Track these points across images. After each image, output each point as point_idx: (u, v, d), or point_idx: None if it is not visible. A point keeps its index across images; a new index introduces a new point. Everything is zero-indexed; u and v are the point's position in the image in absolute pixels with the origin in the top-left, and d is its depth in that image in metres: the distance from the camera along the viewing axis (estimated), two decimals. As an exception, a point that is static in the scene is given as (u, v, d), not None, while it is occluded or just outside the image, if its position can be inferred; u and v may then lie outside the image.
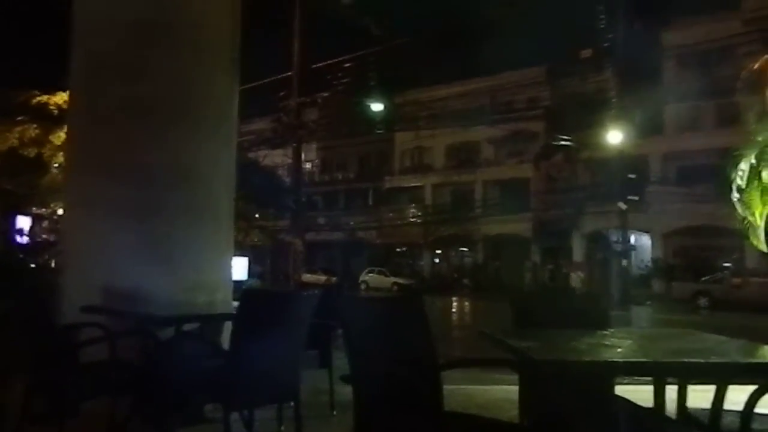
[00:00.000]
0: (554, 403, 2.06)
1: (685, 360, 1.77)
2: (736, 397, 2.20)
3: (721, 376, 1.83)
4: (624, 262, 25.29)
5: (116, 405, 3.35)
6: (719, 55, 26.12)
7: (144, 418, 3.41)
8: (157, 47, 4.01)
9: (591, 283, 28.70)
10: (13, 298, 3.50)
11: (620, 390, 2.44)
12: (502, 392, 4.60)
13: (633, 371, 2.05)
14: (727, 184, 5.37)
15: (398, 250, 39.56)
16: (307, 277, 24.36)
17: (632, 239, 27.08)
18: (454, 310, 21.91)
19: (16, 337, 3.38)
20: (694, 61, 28.36)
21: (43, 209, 20.03)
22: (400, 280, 32.79)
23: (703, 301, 22.76)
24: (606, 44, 24.56)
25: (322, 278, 28.25)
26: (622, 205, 24.35)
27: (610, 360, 1.78)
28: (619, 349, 1.99)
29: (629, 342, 2.18)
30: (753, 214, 4.96)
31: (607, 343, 2.10)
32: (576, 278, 30.44)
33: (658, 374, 1.83)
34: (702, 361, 1.75)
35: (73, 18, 4.15)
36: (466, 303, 24.96)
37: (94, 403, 3.27)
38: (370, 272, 34.18)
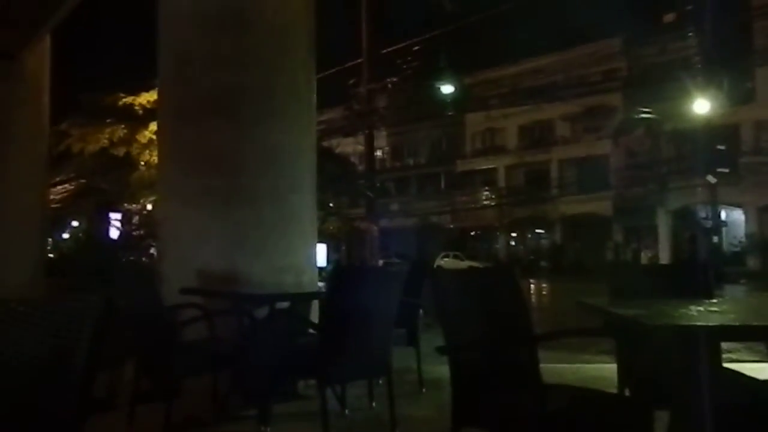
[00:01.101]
0: (660, 371, 1.98)
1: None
2: None
3: None
4: (714, 239, 23.90)
5: (217, 382, 3.53)
6: (818, 11, 24.02)
7: (243, 395, 3.57)
8: (240, 37, 4.14)
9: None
10: (119, 284, 3.75)
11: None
12: (594, 370, 4.50)
13: (750, 335, 1.94)
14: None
15: (472, 233, 39.19)
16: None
17: (723, 214, 25.54)
18: (532, 292, 21.50)
19: (125, 324, 3.62)
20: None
21: (134, 205, 21.18)
22: (475, 264, 32.53)
23: (805, 278, 21.20)
24: (689, 6, 23.09)
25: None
26: (711, 179, 23.01)
27: (726, 324, 1.69)
28: (731, 315, 1.89)
29: (740, 308, 2.07)
30: None
31: (716, 309, 2.00)
32: (644, 257, 29.19)
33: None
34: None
35: (158, 13, 4.35)
36: (544, 285, 24.41)
37: (196, 381, 3.46)
38: (444, 257, 34.08)
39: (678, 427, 1.91)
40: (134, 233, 20.88)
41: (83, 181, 20.54)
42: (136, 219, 21.92)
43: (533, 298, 19.20)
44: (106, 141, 17.35)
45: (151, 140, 15.91)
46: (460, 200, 38.25)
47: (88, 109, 17.53)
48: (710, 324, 1.69)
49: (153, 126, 14.80)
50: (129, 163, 18.09)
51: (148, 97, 16.22)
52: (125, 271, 4.59)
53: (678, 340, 1.65)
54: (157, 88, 5.14)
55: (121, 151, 17.47)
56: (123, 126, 17.21)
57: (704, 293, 2.50)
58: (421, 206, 38.82)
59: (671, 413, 1.97)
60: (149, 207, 18.19)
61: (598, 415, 1.99)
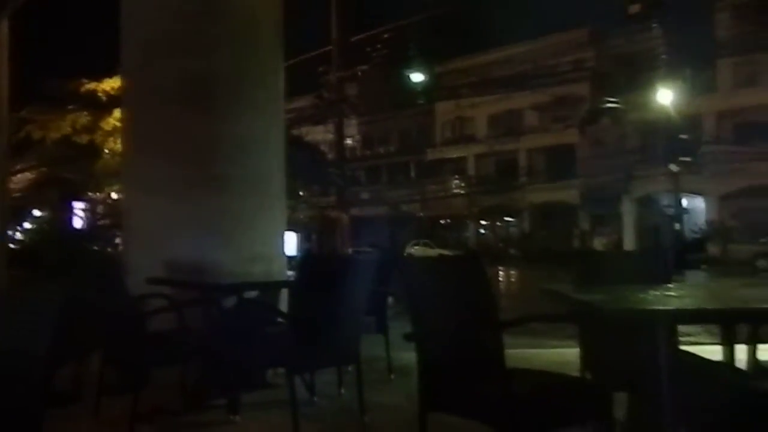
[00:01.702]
0: (619, 355, 2.05)
1: (760, 306, 1.73)
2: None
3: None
4: (677, 226, 24.54)
5: (185, 372, 3.51)
6: (777, 4, 24.69)
7: (211, 385, 3.55)
8: (207, 24, 4.08)
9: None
10: (83, 276, 3.68)
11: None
12: (559, 355, 4.59)
13: (704, 318, 2.01)
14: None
15: (443, 222, 39.44)
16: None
17: (685, 202, 26.22)
18: (501, 279, 21.79)
19: (90, 315, 3.56)
20: (749, 10, 26.85)
21: (98, 194, 20.72)
22: (445, 252, 32.74)
23: (762, 263, 21.96)
24: (654, -1, 23.51)
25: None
26: (674, 167, 23.57)
27: (681, 308, 1.75)
28: (687, 299, 1.96)
29: (696, 292, 2.14)
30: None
31: (674, 294, 2.07)
32: (599, 243, 29.86)
33: (728, 320, 1.79)
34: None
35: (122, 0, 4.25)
36: (513, 272, 24.77)
37: (164, 373, 3.44)
38: (415, 245, 34.23)
39: (636, 407, 1.98)
40: (99, 223, 20.46)
41: (45, 169, 20.00)
42: (101, 208, 21.47)
43: (502, 286, 19.48)
44: (68, 128, 16.89)
45: (115, 127, 15.53)
46: (431, 189, 38.42)
47: (49, 96, 17.02)
48: (666, 308, 1.75)
49: (117, 113, 14.45)
50: (93, 151, 17.66)
51: (112, 84, 15.81)
52: (90, 261, 4.51)
53: (636, 324, 1.70)
54: (120, 75, 5.04)
55: (84, 139, 17.02)
56: (86, 113, 16.76)
57: (663, 279, 2.58)
58: (391, 195, 38.88)
59: (629, 395, 2.05)
60: (114, 196, 17.84)
61: (559, 397, 2.05)
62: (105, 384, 3.33)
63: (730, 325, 1.93)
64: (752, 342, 2.26)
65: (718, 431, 1.96)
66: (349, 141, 34.59)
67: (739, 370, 2.09)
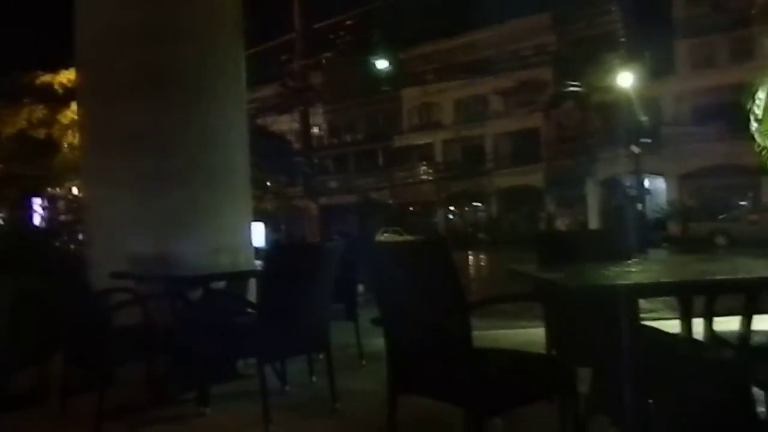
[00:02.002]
0: (582, 331, 2.09)
1: (712, 278, 1.79)
2: (760, 326, 2.23)
3: (750, 291, 1.85)
4: (639, 206, 25.13)
5: (152, 367, 3.46)
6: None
7: (180, 378, 3.52)
8: (165, 13, 3.98)
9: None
10: (43, 273, 3.59)
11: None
12: (527, 335, 4.68)
13: (661, 291, 2.07)
14: (744, 116, 5.28)
15: (411, 208, 39.59)
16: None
17: (646, 183, 26.85)
18: (471, 263, 22.03)
19: (52, 312, 3.48)
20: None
21: (58, 189, 20.20)
22: (419, 239, 32.80)
23: (720, 240, 22.68)
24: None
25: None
26: (635, 149, 24.09)
27: (639, 282, 1.80)
28: (646, 274, 2.01)
29: (655, 267, 2.20)
30: (771, 143, 4.89)
31: (633, 269, 2.12)
32: (561, 224, 30.49)
33: (686, 292, 1.85)
34: (730, 277, 1.77)
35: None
36: (482, 256, 25.05)
37: (131, 368, 3.38)
38: (384, 232, 34.31)
39: (599, 382, 2.03)
40: (61, 219, 19.97)
41: (1, 166, 19.39)
42: (61, 204, 20.95)
43: (471, 270, 19.69)
44: (24, 122, 16.41)
45: (73, 121, 15.15)
46: (399, 176, 38.47)
47: (2, 89, 16.47)
48: (625, 282, 1.80)
49: (75, 106, 14.06)
50: (51, 145, 17.20)
51: (68, 75, 15.39)
52: (50, 258, 4.40)
53: (596, 300, 1.74)
54: (75, 67, 4.88)
55: (41, 133, 16.57)
56: (42, 106, 16.29)
57: (624, 256, 2.65)
58: (360, 183, 38.83)
59: (593, 370, 2.10)
60: (75, 191, 17.41)
61: (525, 375, 2.09)
62: (69, 383, 3.26)
63: (686, 298, 2.00)
64: (708, 315, 2.33)
65: (678, 401, 2.02)
66: (315, 130, 34.37)
67: (696, 341, 2.16)
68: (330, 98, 33.29)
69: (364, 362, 4.16)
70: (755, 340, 2.09)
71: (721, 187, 27.40)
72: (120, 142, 3.97)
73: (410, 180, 37.70)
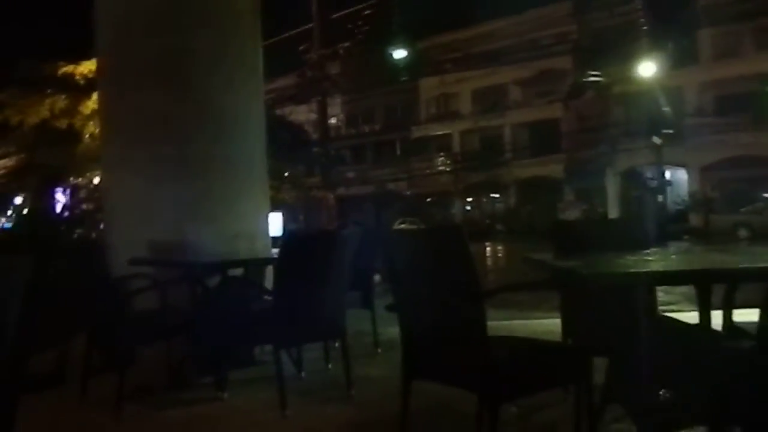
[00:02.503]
0: (598, 320, 2.08)
1: (735, 266, 1.76)
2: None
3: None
4: (660, 198, 24.79)
5: (171, 351, 3.52)
6: (757, -26, 24.71)
7: (198, 363, 3.57)
8: (183, 3, 4.01)
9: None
10: (64, 257, 3.66)
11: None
12: (543, 326, 4.66)
13: (681, 280, 2.05)
14: (766, 107, 5.18)
15: (429, 199, 39.50)
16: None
17: (667, 174, 26.46)
18: (488, 254, 21.95)
19: (73, 294, 3.54)
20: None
21: (80, 179, 20.47)
22: (435, 227, 32.76)
23: (743, 232, 22.31)
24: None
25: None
26: (657, 140, 23.73)
27: (657, 270, 1.78)
28: (664, 263, 1.99)
29: (673, 257, 2.18)
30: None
31: (650, 259, 2.10)
32: (570, 215, 30.18)
33: (704, 281, 1.82)
34: (749, 266, 1.74)
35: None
36: (500, 247, 24.95)
37: (150, 352, 3.44)
38: (402, 223, 34.32)
39: (615, 371, 2.02)
40: (82, 208, 20.26)
41: (24, 155, 19.68)
42: (83, 193, 21.23)
43: (489, 261, 19.62)
44: (46, 112, 16.60)
45: (94, 111, 15.29)
46: (416, 167, 38.38)
47: (25, 79, 16.68)
48: (642, 270, 1.78)
49: (96, 96, 14.21)
50: (73, 135, 17.40)
51: (89, 66, 15.51)
52: (72, 244, 4.47)
53: (613, 288, 1.73)
54: (96, 55, 4.94)
55: (63, 123, 16.75)
56: (64, 96, 16.46)
57: (642, 246, 2.62)
58: (377, 173, 38.82)
59: (609, 359, 2.08)
60: (96, 181, 17.63)
61: (539, 362, 2.08)
62: (90, 365, 3.32)
63: (705, 289, 1.97)
64: (727, 306, 2.30)
65: (694, 392, 2.00)
66: (332, 120, 34.39)
67: (714, 331, 2.13)
68: (348, 88, 33.26)
69: (379, 350, 4.18)
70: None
71: (744, 178, 26.91)
72: (139, 130, 4.02)
73: (428, 171, 37.61)
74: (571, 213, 30.57)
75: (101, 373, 3.35)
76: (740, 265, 1.82)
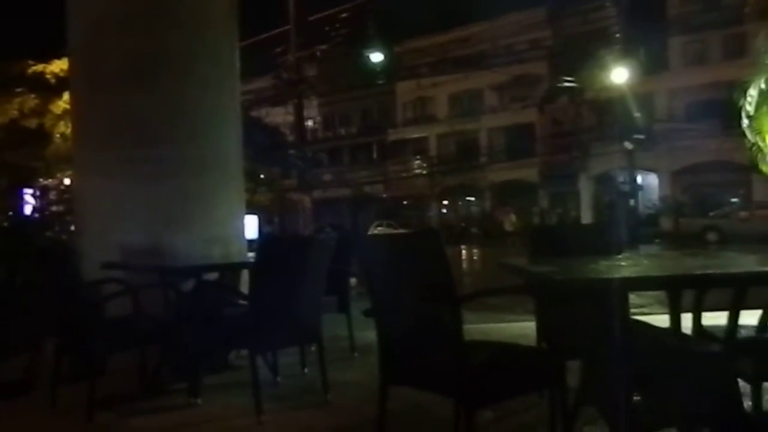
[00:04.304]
0: (571, 324, 2.11)
1: (702, 272, 1.80)
2: (747, 321, 2.25)
3: (738, 286, 1.86)
4: (631, 202, 25.22)
5: (145, 358, 3.46)
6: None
7: (171, 369, 3.52)
8: (158, 4, 3.96)
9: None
10: (33, 262, 3.57)
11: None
12: (518, 329, 4.71)
13: (651, 285, 2.09)
14: (736, 113, 5.32)
15: (405, 202, 39.59)
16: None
17: (639, 179, 26.93)
18: (463, 257, 22.08)
19: (42, 300, 3.47)
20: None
21: (50, 180, 20.08)
22: (411, 231, 32.75)
23: (711, 236, 22.78)
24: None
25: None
26: (628, 145, 24.13)
27: (629, 276, 1.81)
28: (635, 268, 2.03)
29: (645, 262, 2.22)
30: (763, 139, 4.92)
31: (623, 264, 2.13)
32: (508, 223, 30.73)
33: (674, 286, 1.86)
34: (718, 271, 1.79)
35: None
36: (475, 250, 25.12)
37: (122, 358, 3.38)
38: (378, 226, 34.31)
39: (588, 374, 2.05)
40: (52, 210, 19.86)
41: (-8, 155, 19.23)
42: (53, 195, 20.81)
43: (464, 264, 19.74)
44: (15, 112, 16.27)
45: (66, 111, 15.03)
46: (393, 170, 38.44)
47: (-8, 78, 16.32)
48: (612, 276, 1.81)
49: (67, 96, 13.96)
50: (43, 135, 17.07)
51: (61, 65, 15.26)
52: (41, 248, 4.38)
53: (584, 293, 1.75)
54: (67, 55, 4.85)
55: (33, 123, 16.44)
56: (34, 96, 16.16)
57: (615, 250, 2.67)
58: (354, 176, 38.77)
59: (582, 363, 2.11)
60: (67, 182, 17.31)
61: (514, 367, 2.10)
62: (60, 372, 3.25)
63: (675, 293, 2.01)
64: (696, 310, 2.36)
65: (665, 394, 2.04)
66: (309, 122, 34.28)
67: (684, 335, 2.18)
68: (324, 91, 33.21)
69: (355, 354, 4.17)
70: (742, 334, 2.12)
71: (713, 183, 27.53)
72: (111, 131, 3.95)
73: (404, 174, 37.69)
74: (508, 220, 31.08)
75: (72, 380, 3.28)
76: (710, 271, 1.86)
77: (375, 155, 40.84)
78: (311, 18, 18.31)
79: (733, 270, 1.88)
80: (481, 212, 36.57)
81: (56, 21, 4.45)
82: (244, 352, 3.44)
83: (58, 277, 3.29)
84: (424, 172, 37.52)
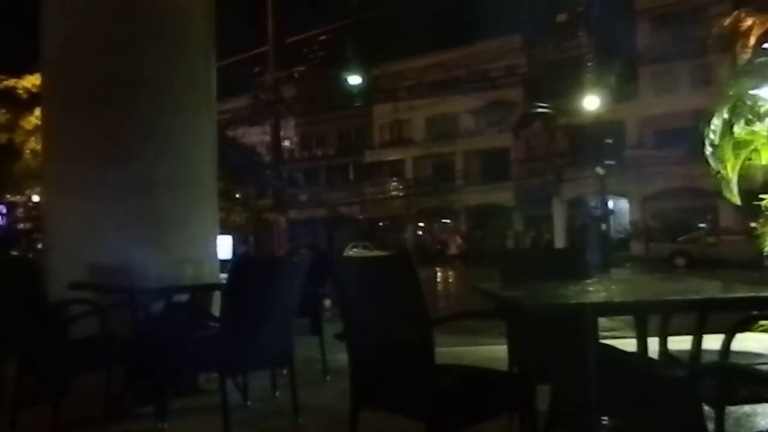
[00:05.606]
0: (542, 349, 2.13)
1: (666, 298, 1.85)
2: (711, 345, 2.31)
3: (701, 311, 1.91)
4: (603, 226, 25.66)
5: (111, 380, 3.38)
6: (692, 16, 26.29)
7: (139, 392, 3.44)
8: (134, 20, 3.95)
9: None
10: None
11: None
12: (490, 352, 4.72)
13: (617, 311, 2.13)
14: (700, 142, 5.49)
15: (381, 224, 39.64)
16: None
17: (610, 204, 27.46)
18: (438, 279, 22.13)
19: (5, 319, 3.38)
20: (668, 22, 28.51)
21: (18, 196, 19.67)
22: (384, 254, 32.73)
23: (680, 261, 23.28)
24: (580, 8, 24.56)
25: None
26: (600, 170, 24.64)
27: (596, 301, 1.85)
28: (603, 293, 2.07)
29: (612, 287, 2.27)
30: (726, 168, 5.09)
31: (591, 289, 2.17)
32: (454, 246, 31.15)
33: (640, 312, 1.91)
34: (681, 298, 1.83)
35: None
36: (450, 273, 25.20)
37: (87, 380, 3.30)
38: (354, 247, 34.20)
39: (557, 398, 2.07)
40: (19, 227, 19.43)
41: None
42: (20, 211, 20.38)
43: (439, 286, 19.77)
44: (-16, 127, 15.97)
45: (36, 126, 14.81)
46: (369, 191, 38.54)
47: (-38, 93, 16.04)
48: (580, 302, 1.84)
49: (39, 111, 13.75)
50: (12, 151, 16.76)
51: (33, 80, 15.06)
52: (4, 266, 4.27)
53: (553, 317, 1.78)
54: (40, 71, 4.80)
55: (2, 138, 16.15)
56: (4, 110, 15.90)
57: (584, 275, 2.71)
58: (330, 197, 38.76)
59: (552, 385, 2.13)
60: (36, 198, 16.98)
61: (484, 391, 2.11)
62: (22, 394, 3.16)
63: (642, 318, 2.05)
64: (662, 334, 2.41)
65: (632, 418, 2.07)
66: (286, 143, 34.24)
67: (650, 359, 2.22)
68: (302, 112, 33.29)
69: (328, 377, 4.14)
70: (705, 358, 2.16)
71: (682, 209, 28.17)
72: (83, 150, 3.91)
73: (380, 195, 37.81)
74: (454, 243, 31.50)
75: (34, 402, 3.19)
76: (672, 297, 1.91)
77: (351, 176, 40.94)
78: (290, 39, 18.44)
79: (694, 296, 1.93)
80: (429, 235, 36.82)
81: (29, 36, 4.42)
82: (214, 375, 3.38)
83: (23, 294, 3.21)
84: (401, 194, 37.70)
